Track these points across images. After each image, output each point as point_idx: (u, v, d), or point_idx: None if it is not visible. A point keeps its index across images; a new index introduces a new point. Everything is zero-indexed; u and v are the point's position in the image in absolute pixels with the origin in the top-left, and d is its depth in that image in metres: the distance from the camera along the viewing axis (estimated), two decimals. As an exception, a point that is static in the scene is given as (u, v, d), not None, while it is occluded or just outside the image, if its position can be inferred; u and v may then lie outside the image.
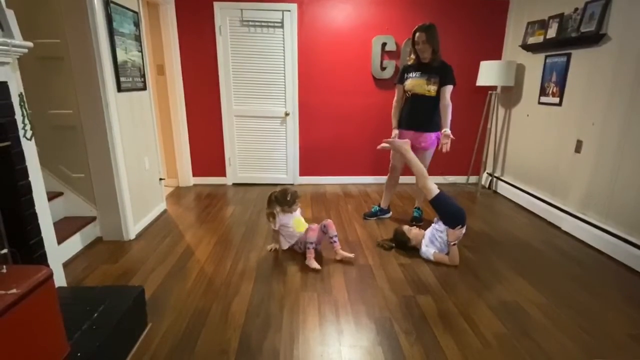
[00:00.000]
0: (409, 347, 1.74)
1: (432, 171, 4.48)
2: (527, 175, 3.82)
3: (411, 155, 2.74)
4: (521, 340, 1.81)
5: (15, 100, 1.68)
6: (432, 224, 2.65)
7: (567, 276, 2.43)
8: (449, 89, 2.89)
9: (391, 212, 3.44)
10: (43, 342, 1.23)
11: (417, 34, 2.83)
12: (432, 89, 2.90)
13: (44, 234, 1.84)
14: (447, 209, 2.54)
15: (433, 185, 2.57)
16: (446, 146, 2.83)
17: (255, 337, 1.80)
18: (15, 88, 1.69)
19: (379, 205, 3.41)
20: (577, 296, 2.19)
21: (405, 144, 2.78)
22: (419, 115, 2.99)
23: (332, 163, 4.50)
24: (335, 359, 1.67)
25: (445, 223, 2.53)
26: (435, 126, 2.99)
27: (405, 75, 3.01)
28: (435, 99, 2.92)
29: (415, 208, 3.36)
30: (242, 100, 4.23)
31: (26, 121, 1.73)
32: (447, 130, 2.83)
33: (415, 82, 2.94)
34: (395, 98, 3.14)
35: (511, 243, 2.92)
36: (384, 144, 2.88)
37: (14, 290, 1.13)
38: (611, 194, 2.78)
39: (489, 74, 3.84)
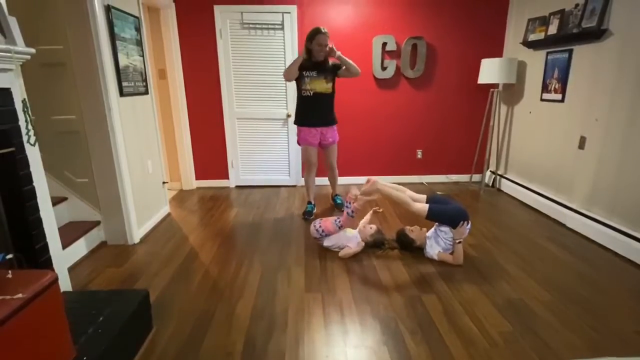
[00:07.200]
0: (415, 347, 1.74)
1: (434, 170, 4.58)
2: (531, 173, 3.80)
3: (387, 189, 2.63)
4: (527, 337, 1.80)
5: (18, 107, 1.70)
6: (435, 225, 2.63)
7: (572, 273, 2.41)
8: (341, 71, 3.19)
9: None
10: (49, 347, 1.24)
11: (321, 37, 3.00)
12: (330, 86, 3.21)
13: (48, 239, 1.85)
14: (445, 218, 2.51)
15: (419, 205, 2.53)
16: None
17: (260, 339, 1.80)
18: (19, 94, 1.71)
19: (312, 202, 3.54)
20: (583, 293, 2.18)
21: (375, 184, 2.64)
22: (324, 111, 3.29)
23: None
24: (341, 360, 1.66)
25: (448, 225, 2.51)
26: (335, 119, 3.38)
27: (303, 73, 3.13)
28: (333, 94, 3.27)
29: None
30: (244, 102, 4.24)
31: (30, 127, 1.74)
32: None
33: (315, 82, 3.15)
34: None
35: (515, 240, 2.90)
36: (356, 205, 2.66)
37: (20, 295, 1.13)
38: (616, 189, 2.76)
39: (490, 71, 3.83)
